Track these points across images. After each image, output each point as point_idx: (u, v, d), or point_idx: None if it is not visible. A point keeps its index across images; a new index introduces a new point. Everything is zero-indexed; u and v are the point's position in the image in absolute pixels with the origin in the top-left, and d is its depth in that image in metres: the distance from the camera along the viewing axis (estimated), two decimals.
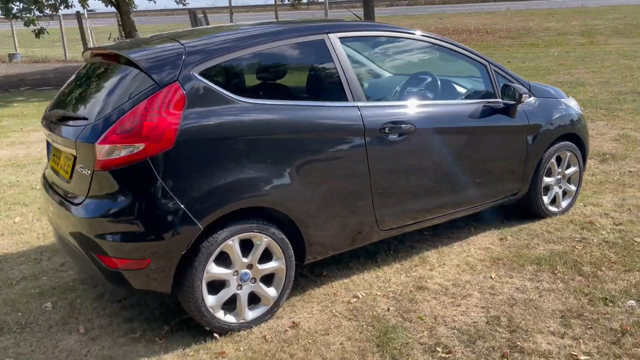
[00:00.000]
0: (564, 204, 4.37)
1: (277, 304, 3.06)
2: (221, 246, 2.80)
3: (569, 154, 4.28)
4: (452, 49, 3.73)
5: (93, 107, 2.85)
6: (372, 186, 3.23)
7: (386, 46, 3.73)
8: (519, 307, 3.05)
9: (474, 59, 3.81)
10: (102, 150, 2.63)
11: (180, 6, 15.68)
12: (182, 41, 2.97)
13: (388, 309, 3.09)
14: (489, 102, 3.76)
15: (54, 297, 3.41)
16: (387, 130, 3.22)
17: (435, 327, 2.90)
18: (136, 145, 2.61)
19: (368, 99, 3.28)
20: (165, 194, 2.65)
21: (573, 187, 4.42)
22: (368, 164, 3.19)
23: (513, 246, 3.82)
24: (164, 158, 2.64)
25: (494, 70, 3.85)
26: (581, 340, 2.73)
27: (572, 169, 4.36)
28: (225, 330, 2.91)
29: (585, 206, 4.48)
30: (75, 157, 2.86)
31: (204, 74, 2.81)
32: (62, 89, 3.44)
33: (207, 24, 17.73)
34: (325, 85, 3.17)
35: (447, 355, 2.66)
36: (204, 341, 2.87)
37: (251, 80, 3.03)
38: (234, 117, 2.81)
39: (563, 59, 13.50)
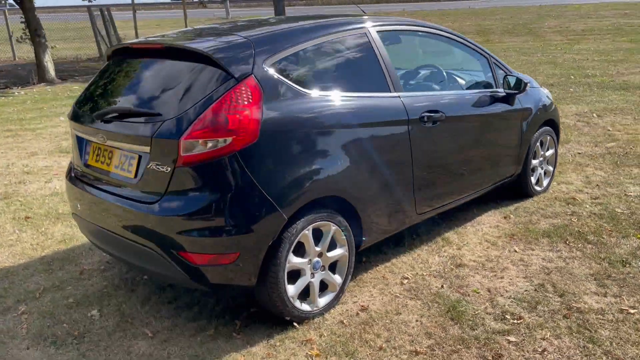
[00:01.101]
0: (545, 183, 4.82)
1: (342, 289, 3.15)
2: (299, 236, 2.84)
3: (548, 137, 4.73)
4: (464, 44, 4.01)
5: (164, 103, 2.77)
6: (414, 173, 3.41)
7: (407, 39, 3.92)
8: (555, 275, 3.37)
9: (479, 52, 4.12)
10: (186, 145, 2.58)
11: (86, 2, 14.83)
12: (241, 34, 2.97)
13: (442, 286, 3.29)
14: (493, 92, 4.08)
15: (95, 305, 3.24)
16: (425, 118, 3.41)
17: (493, 298, 3.14)
18: (222, 139, 2.59)
19: (403, 89, 3.45)
20: (253, 187, 2.65)
21: (551, 168, 4.88)
22: (411, 152, 3.36)
23: (519, 223, 4.17)
24: (250, 151, 2.64)
25: (494, 63, 4.19)
26: (623, 297, 3.09)
27: (550, 151, 4.82)
28: (303, 318, 2.96)
29: (559, 185, 4.96)
30: (141, 155, 2.76)
31: (272, 66, 2.83)
32: (91, 85, 3.27)
33: (112, 21, 16.93)
34: (372, 77, 3.29)
35: (518, 321, 2.90)
36: (284, 331, 2.90)
37: (311, 72, 3.08)
38: (305, 110, 2.86)
39: None
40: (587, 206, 4.44)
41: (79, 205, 3.22)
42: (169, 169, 2.65)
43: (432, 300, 3.14)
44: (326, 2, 39.12)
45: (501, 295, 3.17)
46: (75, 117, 3.20)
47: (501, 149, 4.19)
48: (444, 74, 4.12)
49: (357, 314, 3.04)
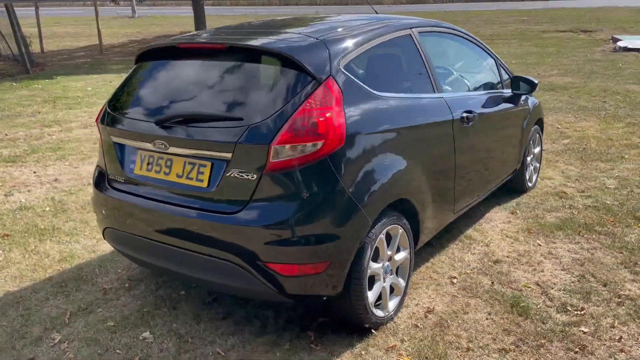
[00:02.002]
0: (534, 179, 5.06)
1: (405, 292, 3.11)
2: (377, 240, 2.77)
3: (537, 135, 4.98)
4: (478, 45, 4.12)
5: (241, 106, 2.59)
6: (455, 172, 3.45)
7: (438, 41, 3.94)
8: (589, 265, 3.55)
9: (488, 54, 4.24)
10: (277, 151, 2.43)
11: None
12: (305, 33, 2.85)
13: (492, 283, 3.35)
14: (503, 92, 4.22)
15: (141, 326, 2.97)
16: (465, 118, 3.46)
17: (546, 292, 3.24)
18: (311, 144, 2.47)
19: (442, 90, 3.47)
20: (343, 193, 2.55)
21: (537, 164, 5.14)
22: (454, 151, 3.39)
23: (528, 218, 4.34)
24: (338, 155, 2.54)
25: (500, 64, 4.34)
26: None
27: (538, 149, 5.07)
28: (378, 324, 2.89)
29: (542, 180, 5.23)
30: (214, 162, 2.56)
31: (345, 67, 2.75)
32: (129, 88, 3.00)
33: (15, 17, 15.66)
34: (422, 78, 3.29)
35: (581, 312, 3.02)
36: (364, 339, 2.82)
37: (375, 73, 3.01)
38: (377, 111, 2.81)
39: None
40: (579, 199, 4.71)
41: (118, 219, 2.93)
42: (255, 176, 2.48)
43: (490, 297, 3.19)
44: (234, 2, 38.64)
45: (552, 288, 3.28)
46: (113, 122, 2.91)
47: (511, 147, 4.35)
48: (456, 74, 4.20)
49: (426, 316, 3.02)
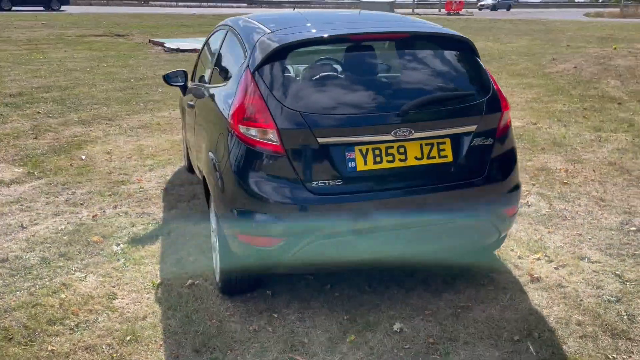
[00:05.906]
0: None
1: None
2: None
3: None
4: None
5: (465, 84, 3.09)
6: None
7: None
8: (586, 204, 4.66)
9: None
10: (505, 116, 3.05)
11: None
12: (425, 23, 3.37)
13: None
14: None
15: (373, 331, 2.90)
16: None
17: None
18: (507, 111, 3.12)
19: None
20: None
21: None
22: None
23: None
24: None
25: None
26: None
27: None
28: None
29: None
30: (451, 137, 2.87)
31: None
32: (320, 85, 2.94)
33: None
34: None
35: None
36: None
37: None
38: None
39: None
40: None
41: (335, 226, 2.73)
42: (492, 140, 2.97)
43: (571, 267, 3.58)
44: None
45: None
46: (320, 123, 2.72)
47: None
48: None
49: (530, 282, 3.42)
